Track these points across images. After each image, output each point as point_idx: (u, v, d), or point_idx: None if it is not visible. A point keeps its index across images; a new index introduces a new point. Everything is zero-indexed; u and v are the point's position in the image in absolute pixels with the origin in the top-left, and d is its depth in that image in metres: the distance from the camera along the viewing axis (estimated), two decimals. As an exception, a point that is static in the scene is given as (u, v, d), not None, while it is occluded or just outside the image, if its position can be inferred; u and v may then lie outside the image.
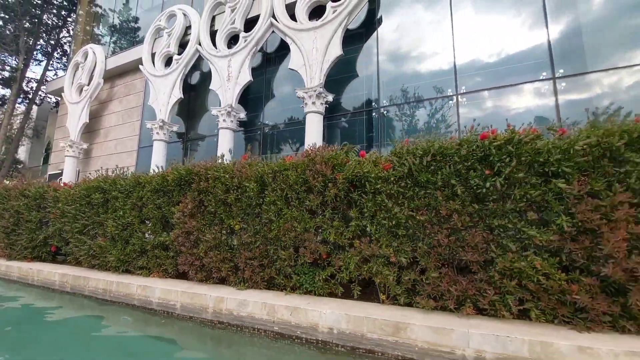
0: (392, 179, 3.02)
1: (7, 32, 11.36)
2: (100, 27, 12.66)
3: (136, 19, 11.47)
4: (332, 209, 3.38)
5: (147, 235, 4.78)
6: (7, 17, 11.35)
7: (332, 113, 6.95)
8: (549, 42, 5.12)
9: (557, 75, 4.97)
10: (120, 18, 12.09)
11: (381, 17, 6.85)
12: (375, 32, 6.80)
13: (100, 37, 12.40)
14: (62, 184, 6.24)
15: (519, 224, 2.52)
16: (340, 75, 6.94)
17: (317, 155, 3.45)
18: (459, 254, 2.72)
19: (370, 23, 6.91)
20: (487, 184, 2.60)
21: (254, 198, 3.73)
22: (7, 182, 12.76)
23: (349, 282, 3.30)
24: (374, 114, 6.53)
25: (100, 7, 13.08)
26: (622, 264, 2.24)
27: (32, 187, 6.30)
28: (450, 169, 2.78)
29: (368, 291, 3.41)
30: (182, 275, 4.46)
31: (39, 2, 13.01)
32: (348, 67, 6.87)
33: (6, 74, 12.11)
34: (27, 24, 12.13)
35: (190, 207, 4.17)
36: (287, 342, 2.93)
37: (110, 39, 11.96)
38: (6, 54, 11.73)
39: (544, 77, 5.09)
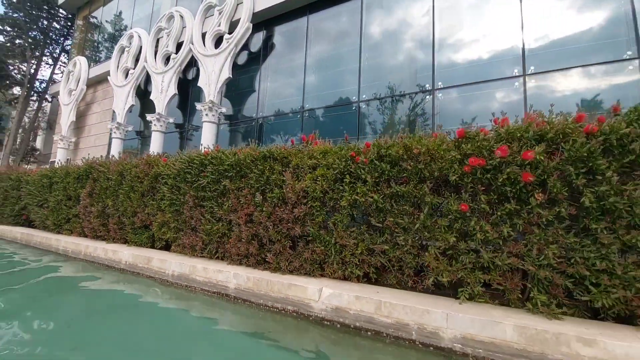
0: (172, 174, 4.96)
1: (16, 44, 14.07)
2: (97, 36, 15.05)
3: (127, 27, 13.47)
4: (151, 193, 5.38)
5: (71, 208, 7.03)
6: (14, 33, 14.05)
7: (233, 120, 8.88)
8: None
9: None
10: (109, 30, 14.38)
11: (273, 44, 8.59)
12: (266, 57, 8.57)
13: (94, 46, 14.85)
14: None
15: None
16: (243, 89, 8.82)
17: (144, 159, 5.46)
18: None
19: (264, 51, 8.67)
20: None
21: (116, 185, 5.81)
22: (26, 167, 15.84)
23: (157, 239, 5.31)
24: (260, 121, 8.38)
25: (96, 18, 15.51)
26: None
27: (14, 172, 8.79)
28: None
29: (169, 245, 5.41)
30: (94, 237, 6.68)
31: (44, 14, 15.58)
32: (249, 83, 8.70)
33: (18, 76, 14.93)
34: (34, 35, 14.76)
35: (88, 190, 6.32)
36: (131, 273, 5.01)
37: (98, 49, 14.37)
38: (17, 62, 14.51)
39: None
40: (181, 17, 9.54)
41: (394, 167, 3.10)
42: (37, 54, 15.44)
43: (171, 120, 9.54)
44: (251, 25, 8.04)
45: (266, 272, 3.71)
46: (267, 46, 8.61)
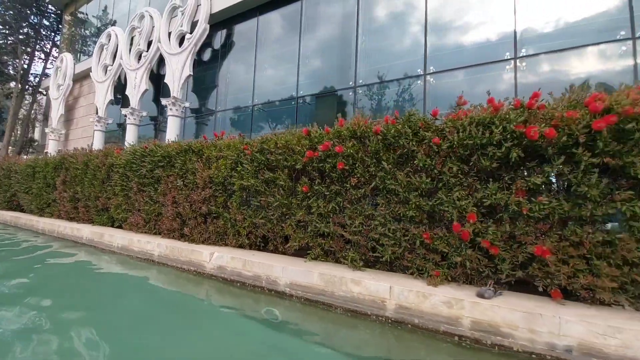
0: (122, 164, 5.85)
1: (7, 42, 14.93)
2: (83, 32, 15.81)
3: (114, 22, 14.06)
4: (108, 180, 6.29)
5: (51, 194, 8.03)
6: (6, 32, 14.88)
7: (199, 113, 9.71)
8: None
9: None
10: (95, 25, 15.10)
11: (232, 42, 9.30)
12: (225, 55, 9.30)
13: (80, 41, 15.62)
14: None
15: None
16: (207, 85, 9.60)
17: (101, 151, 6.36)
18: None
19: (224, 48, 9.39)
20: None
21: (82, 174, 6.74)
22: (25, 157, 16.78)
23: (115, 219, 6.26)
24: (218, 115, 9.19)
25: (83, 13, 16.22)
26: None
27: (5, 163, 9.82)
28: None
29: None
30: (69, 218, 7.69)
31: (34, 11, 16.32)
32: (212, 78, 9.47)
33: (12, 72, 15.87)
34: (26, 31, 15.56)
35: (62, 179, 7.28)
36: (89, 246, 5.99)
37: (85, 44, 15.14)
38: (9, 59, 15.41)
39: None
40: (151, 16, 10.24)
41: (267, 158, 3.94)
42: (29, 49, 16.26)
43: (144, 113, 10.39)
44: (208, 26, 8.74)
45: (183, 242, 4.63)
46: (227, 44, 9.32)
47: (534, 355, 2.17)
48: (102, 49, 12.09)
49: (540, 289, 2.49)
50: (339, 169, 3.31)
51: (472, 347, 2.33)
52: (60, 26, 17.46)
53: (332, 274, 3.08)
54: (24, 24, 16.12)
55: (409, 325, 2.62)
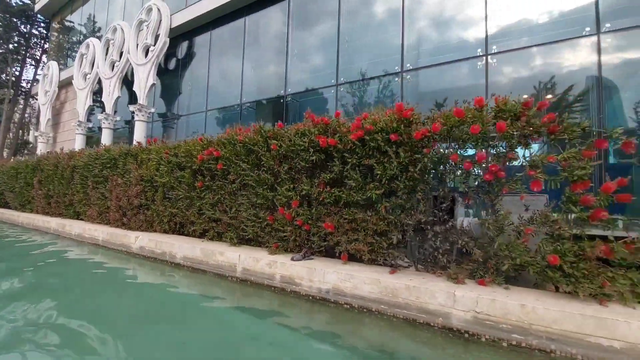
0: (81, 165, 6.88)
1: (-1, 52, 16.06)
2: (68, 41, 16.85)
3: (99, 29, 15.05)
4: (72, 179, 7.33)
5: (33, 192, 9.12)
6: (-3, 43, 16.02)
7: (165, 117, 10.72)
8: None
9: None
10: (79, 34, 16.11)
11: (194, 52, 10.26)
12: (186, 64, 10.27)
13: (65, 49, 16.67)
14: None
15: (101, 187, 6.35)
16: (173, 91, 10.60)
17: (66, 154, 7.41)
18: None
19: (185, 58, 10.36)
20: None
21: (53, 175, 7.80)
22: (21, 159, 17.72)
23: (79, 212, 7.31)
24: (182, 119, 10.19)
25: (72, 22, 17.23)
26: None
27: (-7, 165, 10.93)
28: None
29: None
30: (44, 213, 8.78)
31: (24, 20, 17.37)
32: (177, 85, 10.46)
33: (4, 77, 17.00)
34: (16, 40, 16.64)
35: (38, 178, 8.36)
36: (54, 235, 7.06)
37: (70, 53, 16.18)
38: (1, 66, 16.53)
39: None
40: (122, 29, 11.23)
41: (178, 160, 4.93)
42: (20, 57, 17.34)
43: (118, 118, 11.43)
44: (168, 39, 9.71)
45: (122, 230, 5.66)
46: (188, 55, 10.29)
47: (310, 297, 3.17)
48: (82, 58, 13.11)
49: (337, 254, 3.47)
50: (219, 169, 4.30)
51: (280, 293, 3.33)
52: (49, 34, 18.50)
53: (209, 248, 4.09)
54: (15, 34, 17.17)
55: (248, 282, 3.62)
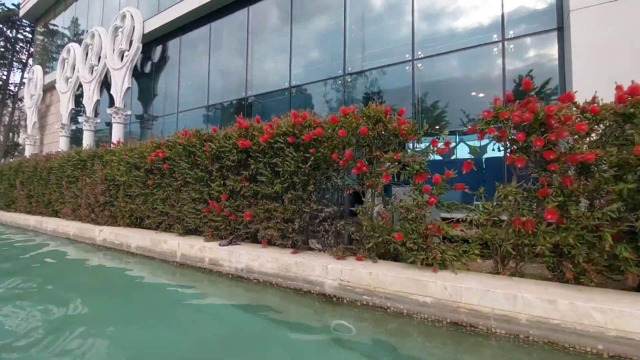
0: (56, 167, 7.43)
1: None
2: (52, 45, 17.28)
3: (82, 32, 15.54)
4: (49, 180, 7.88)
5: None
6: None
7: (143, 119, 11.24)
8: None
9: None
10: (63, 37, 16.54)
11: (167, 56, 10.75)
12: (160, 68, 10.77)
13: (49, 54, 17.10)
14: None
15: (73, 186, 6.92)
16: (151, 93, 11.10)
17: (43, 156, 7.95)
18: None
19: (159, 62, 10.85)
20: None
21: (32, 176, 8.35)
22: (11, 160, 18.07)
23: (57, 211, 7.87)
24: (159, 120, 10.72)
25: (56, 25, 17.64)
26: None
27: (-20, 167, 11.45)
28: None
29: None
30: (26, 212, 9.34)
31: (10, 25, 17.75)
32: (154, 88, 10.97)
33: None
34: (1, 45, 17.04)
35: (20, 180, 8.91)
36: (33, 232, 7.64)
37: (53, 57, 16.61)
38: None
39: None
40: (100, 35, 11.70)
41: (135, 161, 5.49)
42: (6, 62, 17.76)
43: (99, 120, 11.95)
44: (141, 45, 10.20)
45: (90, 225, 6.24)
46: (162, 59, 10.79)
47: (230, 275, 3.76)
48: (64, 63, 13.58)
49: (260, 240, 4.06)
50: (166, 168, 4.87)
51: (208, 272, 3.92)
52: (33, 38, 18.89)
53: (156, 238, 4.67)
54: (1, 38, 17.56)
55: (186, 265, 4.22)
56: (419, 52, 5.74)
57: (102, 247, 5.53)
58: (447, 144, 2.81)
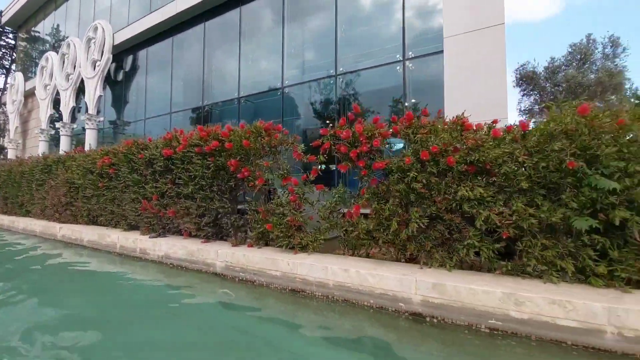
0: (27, 171, 8.16)
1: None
2: (33, 51, 17.87)
3: (65, 37, 16.11)
4: (21, 183, 8.61)
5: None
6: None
7: (116, 124, 11.97)
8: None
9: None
10: (48, 43, 17.11)
11: (137, 65, 11.47)
12: (131, 76, 11.50)
13: (31, 60, 17.69)
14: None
15: (41, 188, 7.66)
16: (123, 100, 11.83)
17: (17, 161, 8.68)
18: (36, 199, 7.93)
19: (130, 70, 11.57)
20: (33, 175, 7.74)
21: (7, 179, 9.07)
22: None
23: (30, 211, 8.60)
24: (131, 125, 11.45)
25: (37, 32, 18.22)
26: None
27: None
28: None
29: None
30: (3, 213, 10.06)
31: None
32: (126, 95, 11.69)
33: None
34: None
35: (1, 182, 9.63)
36: (7, 230, 8.37)
37: (35, 63, 17.21)
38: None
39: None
40: (74, 45, 12.38)
41: (89, 166, 6.25)
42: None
43: (75, 126, 12.65)
44: (112, 55, 10.93)
45: (53, 223, 7.00)
46: (133, 67, 11.52)
47: (155, 261, 4.56)
48: (43, 70, 14.22)
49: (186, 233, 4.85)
50: (112, 173, 5.65)
51: (140, 260, 4.71)
52: (16, 44, 19.46)
53: (102, 233, 5.46)
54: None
55: (124, 255, 5.01)
56: (341, 68, 6.55)
57: (61, 242, 6.30)
58: (298, 154, 3.64)
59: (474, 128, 2.94)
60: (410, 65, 5.82)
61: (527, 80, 16.95)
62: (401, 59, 5.88)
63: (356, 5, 6.78)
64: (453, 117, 3.10)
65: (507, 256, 2.82)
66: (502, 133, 2.66)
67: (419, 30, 5.81)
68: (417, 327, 2.57)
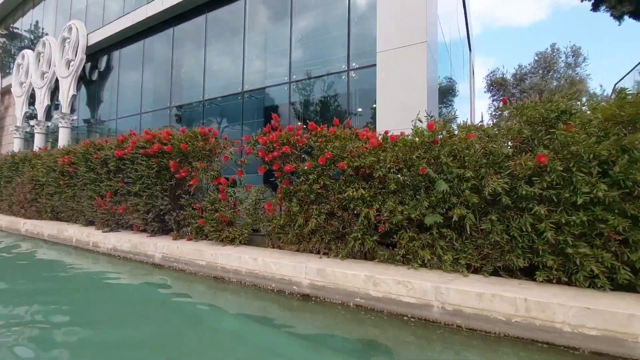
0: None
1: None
2: (19, 44, 17.84)
3: (45, 34, 16.22)
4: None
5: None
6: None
7: (90, 123, 12.21)
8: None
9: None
10: (22, 42, 17.17)
11: (111, 66, 11.74)
12: (105, 75, 11.76)
13: (9, 56, 17.69)
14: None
15: (9, 185, 7.93)
16: (97, 99, 12.07)
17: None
18: (4, 195, 8.19)
19: (104, 70, 11.83)
20: (1, 173, 7.99)
21: (-23, 175, 9.28)
22: None
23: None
24: (105, 124, 11.71)
25: (17, 29, 18.22)
26: (18, 197, 7.64)
27: None
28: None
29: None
30: None
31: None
32: (100, 94, 11.94)
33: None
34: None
35: (-33, 179, 9.80)
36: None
37: (13, 60, 17.21)
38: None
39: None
40: (50, 44, 12.56)
41: (52, 165, 6.58)
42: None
43: (49, 124, 12.83)
44: (85, 56, 11.18)
45: (19, 218, 7.30)
46: (107, 67, 11.78)
47: (105, 253, 4.95)
48: (19, 68, 14.33)
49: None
50: (72, 171, 6.00)
51: (92, 252, 5.10)
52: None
53: (61, 228, 5.82)
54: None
55: (79, 248, 5.39)
56: (294, 76, 7.01)
57: (24, 236, 6.62)
58: (226, 158, 4.10)
59: (367, 137, 3.43)
60: (354, 75, 6.32)
61: (496, 86, 17.68)
62: (346, 69, 6.38)
63: (310, 16, 7.26)
64: (353, 128, 3.60)
65: (393, 246, 3.33)
66: (376, 143, 3.16)
67: (361, 43, 6.32)
68: (305, 305, 3.05)
